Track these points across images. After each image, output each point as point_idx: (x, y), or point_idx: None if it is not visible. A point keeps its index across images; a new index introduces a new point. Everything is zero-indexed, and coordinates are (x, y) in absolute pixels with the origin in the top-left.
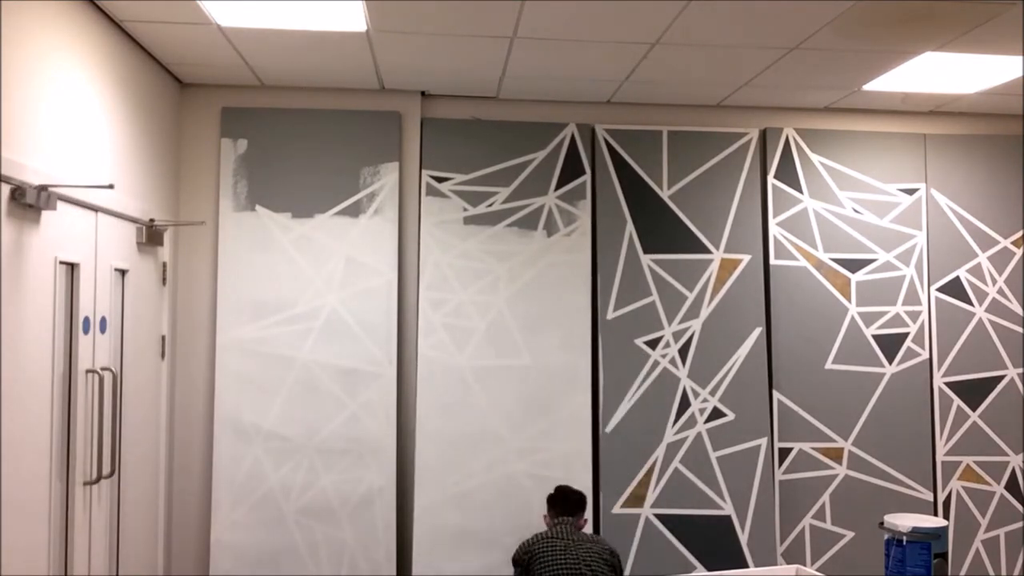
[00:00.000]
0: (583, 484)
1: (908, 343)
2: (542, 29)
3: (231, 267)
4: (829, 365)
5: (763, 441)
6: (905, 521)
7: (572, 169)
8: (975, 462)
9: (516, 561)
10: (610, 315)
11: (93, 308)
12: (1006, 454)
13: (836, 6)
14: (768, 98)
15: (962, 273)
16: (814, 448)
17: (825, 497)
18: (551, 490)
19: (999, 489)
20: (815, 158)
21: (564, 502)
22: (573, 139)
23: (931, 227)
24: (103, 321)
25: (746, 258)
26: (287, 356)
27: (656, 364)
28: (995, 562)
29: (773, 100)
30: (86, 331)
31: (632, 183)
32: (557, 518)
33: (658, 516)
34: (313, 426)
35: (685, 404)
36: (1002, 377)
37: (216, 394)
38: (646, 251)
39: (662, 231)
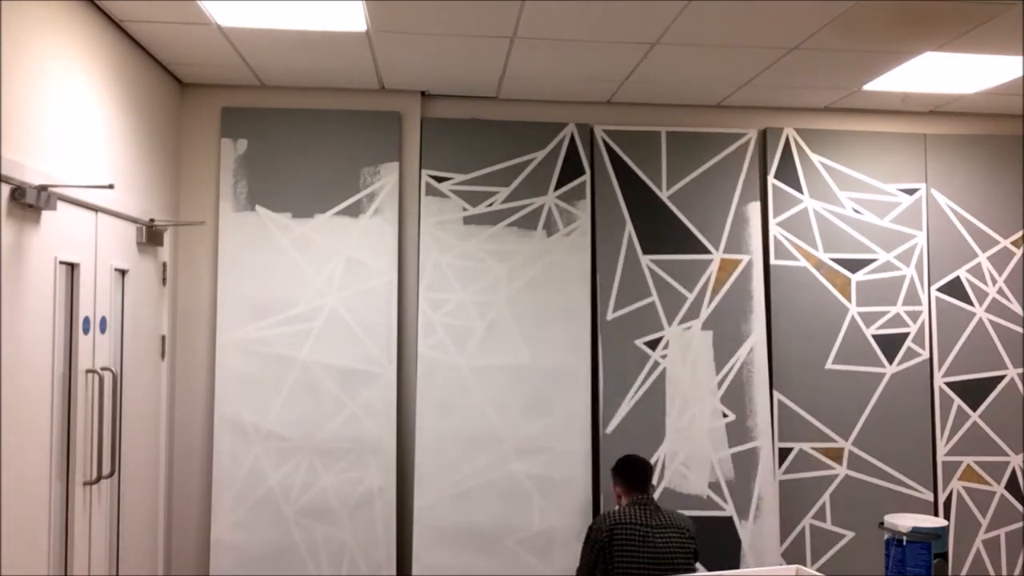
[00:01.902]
0: (583, 484)
1: (908, 343)
2: (542, 29)
3: (231, 267)
4: (829, 365)
5: (763, 441)
6: (905, 521)
7: (571, 169)
8: (975, 462)
9: (592, 539)
10: (610, 315)
11: (93, 308)
12: (1006, 454)
13: (836, 6)
14: (768, 98)
15: (962, 273)
16: (814, 448)
17: (825, 497)
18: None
19: (999, 489)
20: (815, 158)
21: (637, 474)
22: (572, 139)
23: (931, 227)
24: (103, 321)
25: (746, 258)
26: (287, 356)
27: (656, 364)
28: (995, 562)
29: (773, 100)
30: (86, 331)
31: (631, 183)
32: (633, 495)
33: None
34: (313, 426)
35: (685, 404)
36: (1002, 377)
37: (216, 394)
38: (645, 251)
39: (661, 231)
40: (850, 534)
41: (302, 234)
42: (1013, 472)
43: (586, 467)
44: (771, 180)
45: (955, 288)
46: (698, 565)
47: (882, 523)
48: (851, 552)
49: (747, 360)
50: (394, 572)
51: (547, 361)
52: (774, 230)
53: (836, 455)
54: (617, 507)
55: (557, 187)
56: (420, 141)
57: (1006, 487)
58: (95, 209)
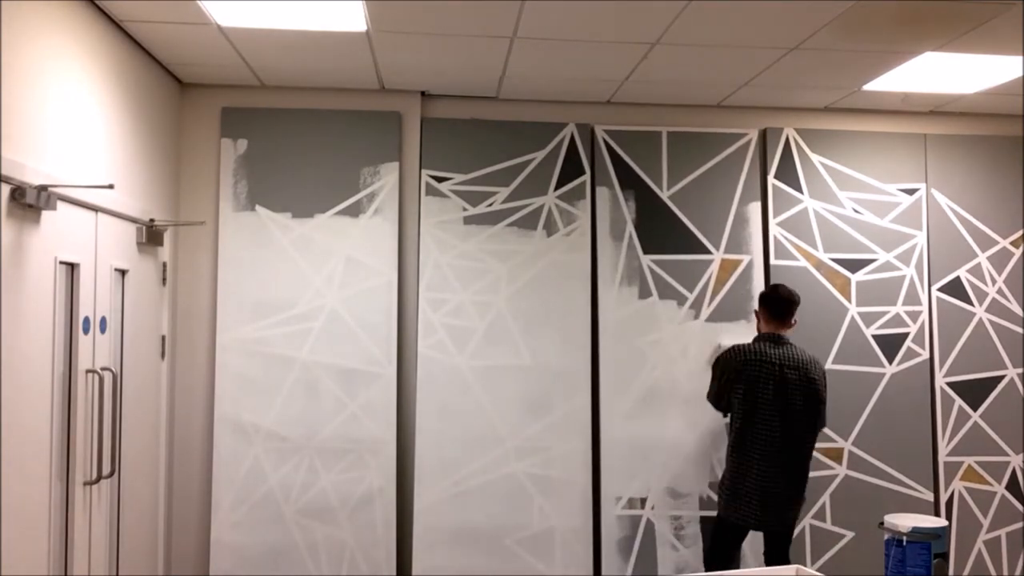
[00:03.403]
0: (583, 484)
1: (908, 343)
2: (542, 29)
3: (231, 267)
4: (829, 365)
5: None
6: (905, 521)
7: (571, 169)
8: (976, 462)
9: (724, 362)
10: (609, 315)
11: (93, 308)
12: (1007, 454)
13: (836, 6)
14: (768, 98)
15: (962, 273)
16: (814, 448)
17: (825, 497)
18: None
19: (1000, 489)
20: (815, 158)
21: (779, 304)
22: (573, 139)
23: (931, 227)
24: (103, 321)
25: (746, 258)
26: (287, 356)
27: (655, 364)
28: (996, 562)
29: (773, 100)
30: (86, 331)
31: (632, 183)
32: (772, 324)
33: (658, 517)
34: (313, 426)
35: (685, 404)
36: (1002, 377)
37: (216, 394)
38: (646, 251)
39: (662, 232)
40: (850, 534)
41: (302, 234)
42: (1013, 472)
43: (586, 467)
44: (771, 180)
45: (955, 288)
46: (698, 565)
47: (882, 523)
48: (851, 552)
49: None
50: (394, 572)
51: (547, 361)
52: (774, 230)
53: (836, 455)
54: (751, 342)
55: (557, 187)
56: (420, 141)
57: (1007, 487)
58: (95, 209)
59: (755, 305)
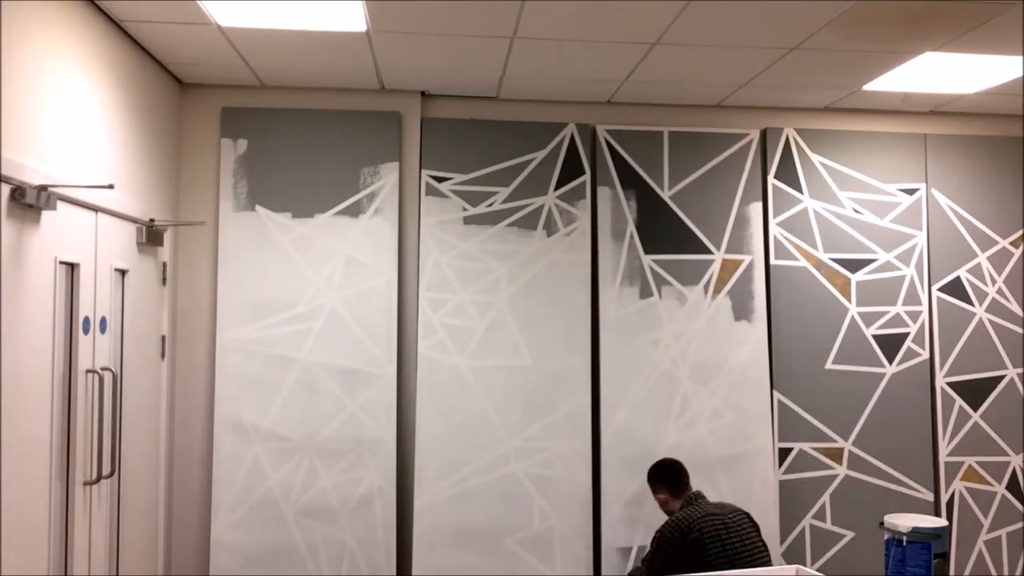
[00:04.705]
0: (583, 484)
1: (908, 343)
2: (542, 29)
3: (231, 267)
4: (829, 365)
5: (763, 441)
6: (905, 521)
7: (572, 169)
8: (977, 462)
9: (669, 543)
10: (610, 315)
11: (93, 308)
12: (1007, 454)
13: (836, 6)
14: (768, 98)
15: (962, 273)
16: (814, 448)
17: (825, 497)
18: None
19: (1000, 489)
20: (815, 158)
21: (679, 475)
22: (573, 139)
23: (931, 227)
24: (103, 321)
25: (747, 258)
26: (287, 356)
27: (656, 364)
28: (997, 563)
29: (773, 100)
30: (86, 331)
31: (632, 183)
32: (687, 493)
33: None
34: (313, 426)
35: (685, 404)
36: (1002, 377)
37: (216, 394)
38: (646, 251)
39: (663, 232)
40: (850, 534)
41: (302, 234)
42: (1014, 472)
43: (586, 467)
44: (771, 180)
45: (955, 288)
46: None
47: (882, 523)
48: (851, 552)
49: (747, 360)
50: (394, 572)
51: (547, 361)
52: (774, 230)
53: (836, 455)
54: (679, 511)
55: (557, 187)
56: (420, 141)
57: (1007, 487)
58: (95, 209)
59: (654, 482)
